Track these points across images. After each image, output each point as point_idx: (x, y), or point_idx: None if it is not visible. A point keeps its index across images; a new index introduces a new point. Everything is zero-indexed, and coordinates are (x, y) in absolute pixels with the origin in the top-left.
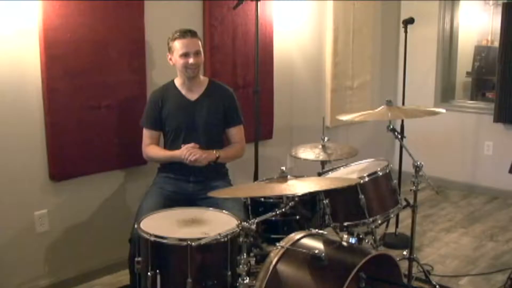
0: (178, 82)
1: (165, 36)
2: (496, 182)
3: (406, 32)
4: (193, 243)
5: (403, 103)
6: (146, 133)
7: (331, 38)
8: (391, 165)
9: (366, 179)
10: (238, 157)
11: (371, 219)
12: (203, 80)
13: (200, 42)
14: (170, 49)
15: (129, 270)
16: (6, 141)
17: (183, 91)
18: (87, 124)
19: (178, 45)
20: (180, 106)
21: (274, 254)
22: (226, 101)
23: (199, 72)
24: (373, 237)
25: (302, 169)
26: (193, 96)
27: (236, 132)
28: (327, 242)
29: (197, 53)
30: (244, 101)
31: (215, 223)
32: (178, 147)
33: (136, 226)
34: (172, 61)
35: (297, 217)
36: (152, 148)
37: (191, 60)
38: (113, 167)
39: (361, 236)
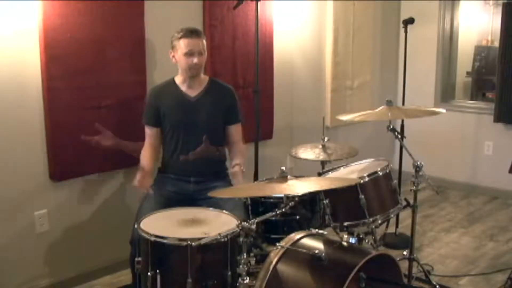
0: (178, 80)
1: (165, 36)
2: (496, 182)
3: (406, 32)
4: (193, 243)
5: (403, 103)
6: (146, 130)
7: (331, 38)
8: (391, 165)
9: (366, 179)
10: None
11: (371, 219)
12: (204, 78)
13: (204, 42)
14: (174, 47)
15: (131, 271)
16: (6, 141)
17: (183, 89)
18: (87, 124)
19: (182, 44)
20: (179, 103)
21: (274, 254)
22: (226, 99)
23: (201, 71)
24: (373, 237)
25: (302, 169)
26: (193, 94)
27: (235, 130)
28: (327, 242)
29: (200, 53)
30: (244, 101)
31: (215, 223)
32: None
33: (136, 226)
34: (175, 58)
35: (297, 217)
36: (144, 152)
37: (195, 60)
38: (113, 167)
39: (361, 236)
